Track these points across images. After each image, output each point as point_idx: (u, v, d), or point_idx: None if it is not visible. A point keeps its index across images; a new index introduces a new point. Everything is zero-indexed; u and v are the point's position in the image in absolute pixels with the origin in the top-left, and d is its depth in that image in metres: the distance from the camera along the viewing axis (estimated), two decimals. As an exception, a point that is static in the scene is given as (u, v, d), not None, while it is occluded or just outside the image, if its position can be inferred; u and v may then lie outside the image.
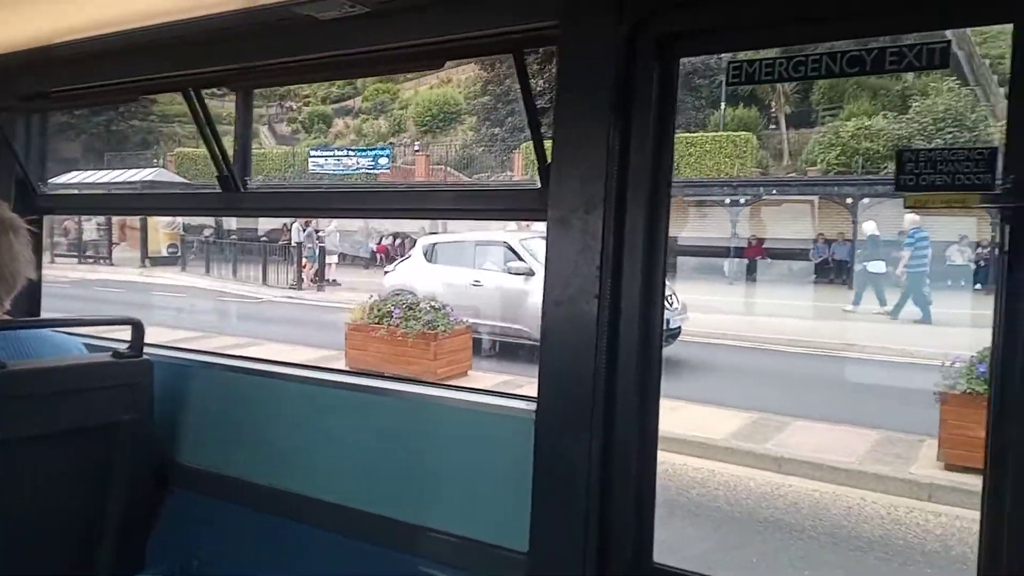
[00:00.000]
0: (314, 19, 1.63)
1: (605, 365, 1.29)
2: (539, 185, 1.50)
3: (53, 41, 2.00)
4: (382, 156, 27.89)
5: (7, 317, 1.75)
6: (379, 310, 9.07)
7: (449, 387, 1.73)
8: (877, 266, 14.71)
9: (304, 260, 19.77)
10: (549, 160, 1.43)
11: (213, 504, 1.84)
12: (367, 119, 35.43)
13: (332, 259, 20.49)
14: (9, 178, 2.33)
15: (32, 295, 2.12)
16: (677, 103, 1.39)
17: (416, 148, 30.74)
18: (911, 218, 14.93)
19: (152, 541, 1.88)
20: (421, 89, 33.59)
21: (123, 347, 1.81)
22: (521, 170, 26.87)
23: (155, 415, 1.82)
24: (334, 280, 19.86)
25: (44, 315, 2.36)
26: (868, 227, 16.06)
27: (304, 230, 19.71)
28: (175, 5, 1.68)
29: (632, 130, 1.35)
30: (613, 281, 1.31)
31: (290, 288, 19.14)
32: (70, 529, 1.73)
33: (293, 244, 20.25)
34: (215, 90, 2.06)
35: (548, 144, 1.46)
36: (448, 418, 1.58)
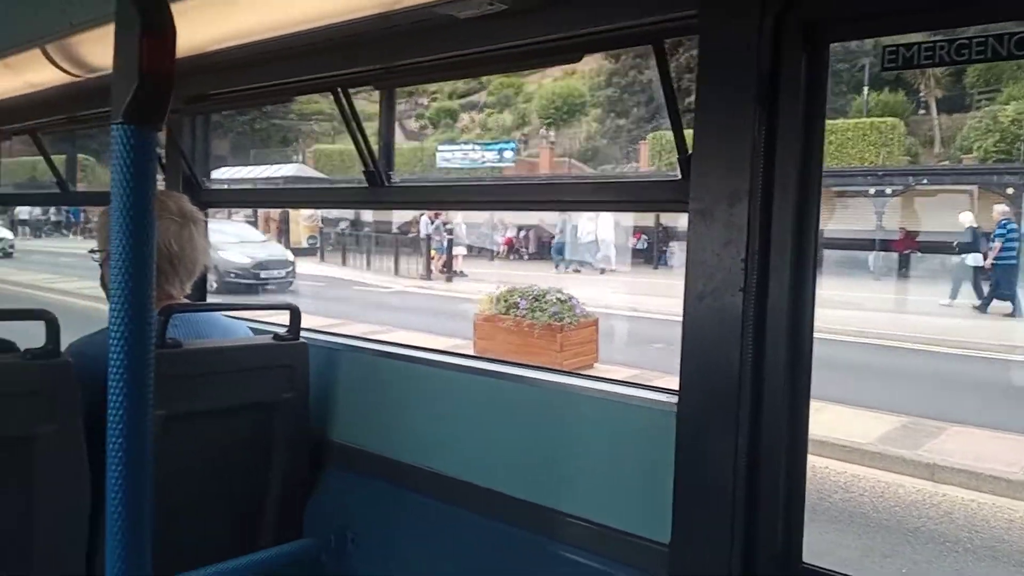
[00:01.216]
0: (454, 18, 1.67)
1: (751, 360, 1.25)
2: (679, 176, 1.48)
3: (215, 47, 2.15)
4: (507, 149, 28.29)
5: (186, 301, 1.94)
6: (506, 301, 9.21)
7: (587, 377, 1.74)
8: (975, 259, 14.22)
9: (433, 252, 20.39)
10: (690, 151, 1.40)
11: (362, 480, 1.95)
12: (492, 113, 36.00)
13: (460, 251, 21.00)
14: (178, 175, 2.55)
15: (201, 282, 2.30)
16: (827, 91, 1.33)
17: (550, 140, 30.82)
18: (1000, 209, 14.46)
19: (308, 512, 2.02)
20: (545, 82, 33.74)
21: (281, 331, 1.97)
22: (647, 161, 26.43)
23: (310, 395, 1.96)
24: (461, 271, 20.36)
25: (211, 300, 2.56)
26: (965, 219, 15.25)
27: (433, 223, 20.31)
28: (325, 11, 1.77)
29: (779, 120, 1.30)
30: (760, 275, 1.27)
31: (420, 279, 19.81)
32: (236, 498, 1.89)
33: (422, 236, 20.93)
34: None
35: (688, 134, 1.44)
36: (585, 407, 1.59)
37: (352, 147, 2.08)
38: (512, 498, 1.68)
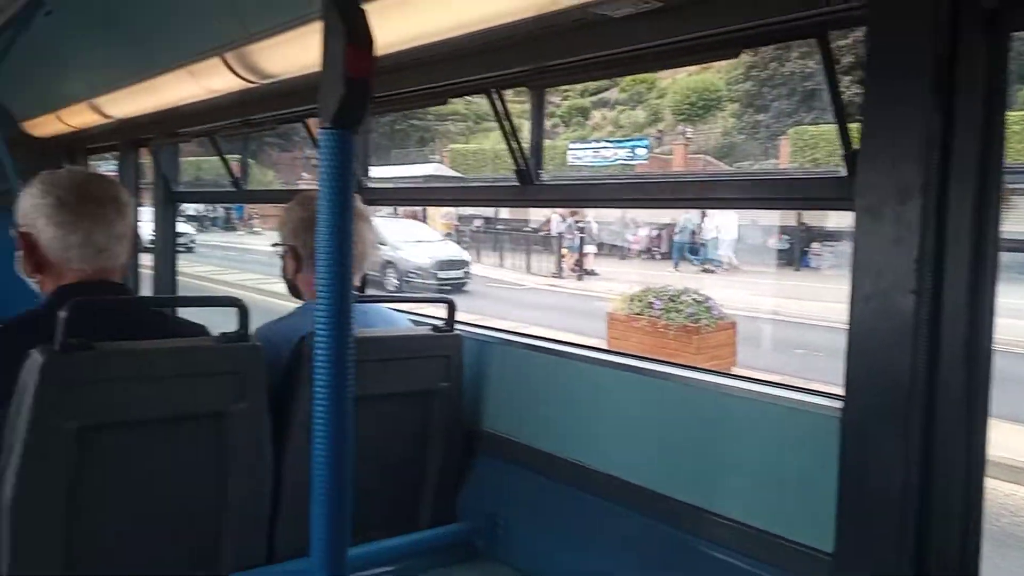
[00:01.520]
0: (608, 17, 1.69)
1: (924, 366, 1.20)
2: (844, 173, 1.43)
3: (379, 53, 2.28)
4: (639, 147, 27.92)
5: (354, 293, 2.08)
6: (640, 300, 9.15)
7: (742, 378, 1.72)
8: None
9: (564, 250, 20.47)
10: (855, 147, 1.36)
11: (512, 469, 2.01)
12: (624, 110, 35.65)
13: (591, 249, 20.97)
14: (349, 174, 2.74)
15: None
16: (1008, 82, 1.24)
17: (687, 136, 30.13)
18: None
19: (462, 498, 2.11)
20: (679, 77, 32.98)
21: (438, 323, 2.08)
22: (787, 157, 25.32)
23: (463, 385, 2.06)
24: (592, 270, 20.33)
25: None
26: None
27: (565, 221, 20.39)
28: (483, 15, 1.84)
29: (955, 113, 1.23)
30: (934, 276, 1.21)
31: (551, 276, 19.96)
32: (397, 480, 2.01)
33: (554, 234, 21.05)
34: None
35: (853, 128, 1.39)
36: (739, 408, 1.57)
37: (484, 147, 2.16)
38: (658, 494, 1.69)
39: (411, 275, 17.90)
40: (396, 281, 18.17)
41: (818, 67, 1.55)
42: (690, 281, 14.26)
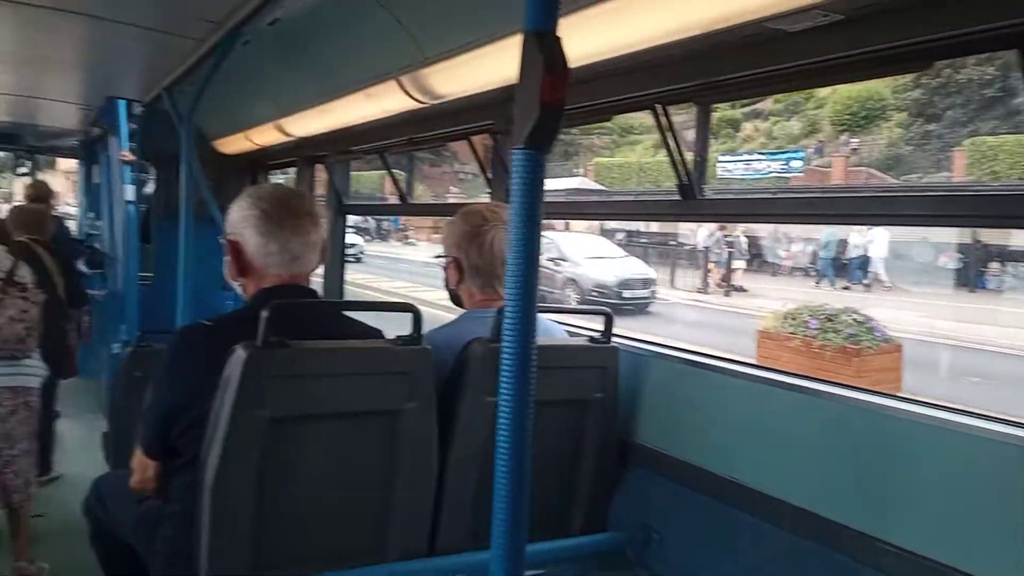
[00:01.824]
0: (783, 31, 1.66)
1: None
2: None
3: None
4: (795, 159, 26.70)
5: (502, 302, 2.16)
6: (794, 318, 8.75)
7: (912, 400, 1.63)
8: None
9: (711, 264, 19.91)
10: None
11: (665, 482, 2.01)
12: (778, 121, 34.22)
13: (739, 264, 20.26)
14: (503, 187, 2.84)
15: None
16: None
17: (851, 147, 28.49)
18: None
19: (614, 507, 2.13)
20: (840, 86, 31.23)
21: (594, 335, 2.11)
22: (963, 170, 23.34)
23: (618, 396, 2.08)
24: (740, 286, 19.63)
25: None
26: None
27: (712, 235, 19.84)
28: (647, 34, 1.86)
29: None
30: None
31: (696, 292, 19.45)
32: (550, 485, 2.06)
33: (700, 248, 20.53)
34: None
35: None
36: (911, 432, 1.49)
37: (630, 160, 2.17)
38: (817, 516, 1.63)
39: (593, 293, 16.41)
40: (575, 299, 16.69)
41: (999, 74, 1.45)
42: (848, 300, 13.48)
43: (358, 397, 1.78)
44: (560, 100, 0.89)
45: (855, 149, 28.20)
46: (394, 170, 4.31)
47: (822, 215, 1.96)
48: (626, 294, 16.52)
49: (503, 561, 1.00)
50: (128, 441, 3.68)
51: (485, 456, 1.92)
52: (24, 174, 9.82)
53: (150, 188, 6.02)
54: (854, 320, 8.44)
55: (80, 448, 5.32)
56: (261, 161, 5.53)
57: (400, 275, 20.25)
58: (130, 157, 5.30)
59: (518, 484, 0.98)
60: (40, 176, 9.79)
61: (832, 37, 1.59)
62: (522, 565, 1.01)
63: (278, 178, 5.98)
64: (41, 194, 6.33)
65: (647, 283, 17.33)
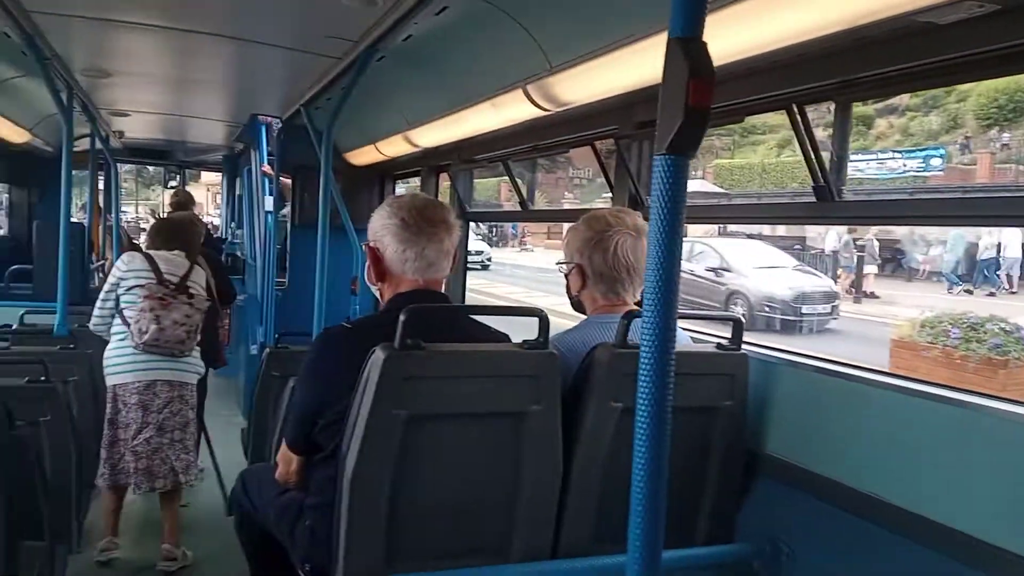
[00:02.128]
0: (933, 24, 1.58)
1: None
2: None
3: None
4: (934, 156, 25.01)
5: (636, 308, 2.15)
6: (932, 327, 8.19)
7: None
8: None
9: (840, 270, 18.94)
10: None
11: (795, 494, 1.95)
12: (915, 116, 32.13)
13: (871, 269, 19.15)
14: (624, 192, 2.84)
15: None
16: None
17: (1001, 143, 26.35)
18: None
19: (740, 518, 2.08)
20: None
21: (722, 341, 2.07)
22: None
23: (747, 404, 2.03)
24: (872, 292, 18.55)
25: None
26: None
27: (842, 238, 18.87)
28: (784, 33, 1.81)
29: None
30: None
31: (824, 298, 18.45)
32: (674, 493, 2.04)
33: (827, 252, 19.58)
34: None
35: None
36: None
37: (751, 161, 2.10)
38: (967, 536, 1.53)
39: (765, 308, 13.94)
40: (742, 314, 12.93)
41: None
42: (989, 307, 12.41)
43: (487, 398, 1.82)
44: (706, 105, 0.89)
45: (1005, 145, 26.06)
46: (506, 178, 4.38)
47: (971, 216, 1.83)
48: (805, 310, 13.89)
49: (639, 567, 1.00)
50: (265, 436, 3.93)
51: (610, 460, 1.92)
52: (174, 187, 10.65)
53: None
54: (1001, 329, 7.80)
55: (219, 443, 5.71)
56: (388, 171, 5.76)
57: (519, 281, 20.47)
58: (268, 169, 5.67)
59: (655, 490, 0.98)
60: (185, 188, 10.61)
61: (986, 29, 1.49)
62: (658, 572, 1.00)
63: (404, 188, 6.21)
64: (183, 201, 6.87)
65: (829, 297, 14.71)
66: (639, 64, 2.29)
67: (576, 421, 1.91)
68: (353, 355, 1.82)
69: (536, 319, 1.85)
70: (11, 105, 5.04)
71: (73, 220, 6.35)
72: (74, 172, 4.96)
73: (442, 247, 1.99)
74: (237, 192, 8.49)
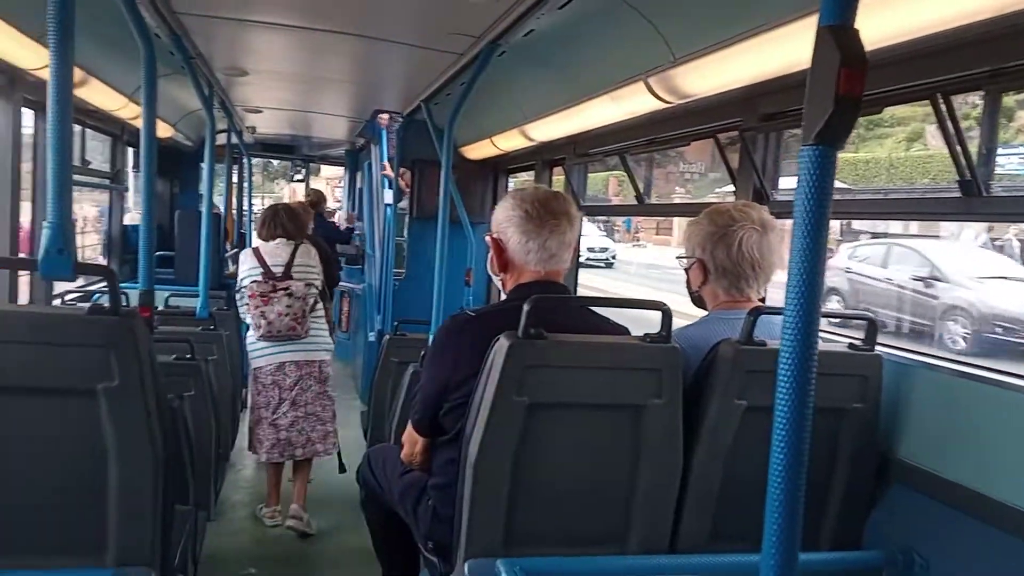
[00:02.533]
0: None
1: None
2: None
3: (796, 69, 2.27)
4: (1089, 149, 22.88)
5: (761, 304, 2.11)
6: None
7: None
8: None
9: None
10: None
11: (931, 503, 1.85)
12: (1065, 107, 29.46)
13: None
14: (748, 186, 2.77)
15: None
16: None
17: None
18: None
19: (870, 525, 2.00)
20: None
21: (854, 341, 1.99)
22: None
23: (880, 407, 1.95)
24: (1012, 296, 17.12)
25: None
26: None
27: (979, 237, 17.57)
28: (929, 21, 1.72)
29: None
30: None
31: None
32: (807, 496, 1.98)
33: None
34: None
35: None
36: None
37: (878, 155, 1.99)
38: None
39: (997, 329, 10.68)
40: (963, 334, 10.96)
41: None
42: None
43: (607, 390, 1.83)
44: (857, 94, 0.87)
45: None
46: (618, 172, 4.34)
47: None
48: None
49: (775, 570, 0.99)
50: (384, 419, 4.09)
51: (731, 458, 1.89)
52: (299, 180, 11.19)
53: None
54: None
55: (339, 425, 5.98)
56: (501, 165, 5.84)
57: (628, 277, 20.33)
58: (388, 170, 5.90)
59: (793, 492, 0.97)
60: (303, 182, 11.16)
61: None
62: (795, 572, 0.99)
63: (516, 182, 6.28)
64: (316, 200, 7.40)
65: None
66: (767, 54, 2.23)
67: (696, 417, 1.89)
68: (478, 342, 1.88)
69: (659, 313, 1.85)
70: (158, 102, 5.44)
71: None
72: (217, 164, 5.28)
73: (564, 239, 2.02)
74: (358, 186, 8.83)
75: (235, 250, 7.90)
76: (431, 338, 3.71)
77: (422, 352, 3.58)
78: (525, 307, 1.75)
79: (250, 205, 7.46)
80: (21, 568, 1.55)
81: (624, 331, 2.06)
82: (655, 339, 1.84)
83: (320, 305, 4.05)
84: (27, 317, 1.59)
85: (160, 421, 1.66)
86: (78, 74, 3.62)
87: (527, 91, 3.93)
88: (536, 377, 1.77)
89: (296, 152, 9.90)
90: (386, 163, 5.93)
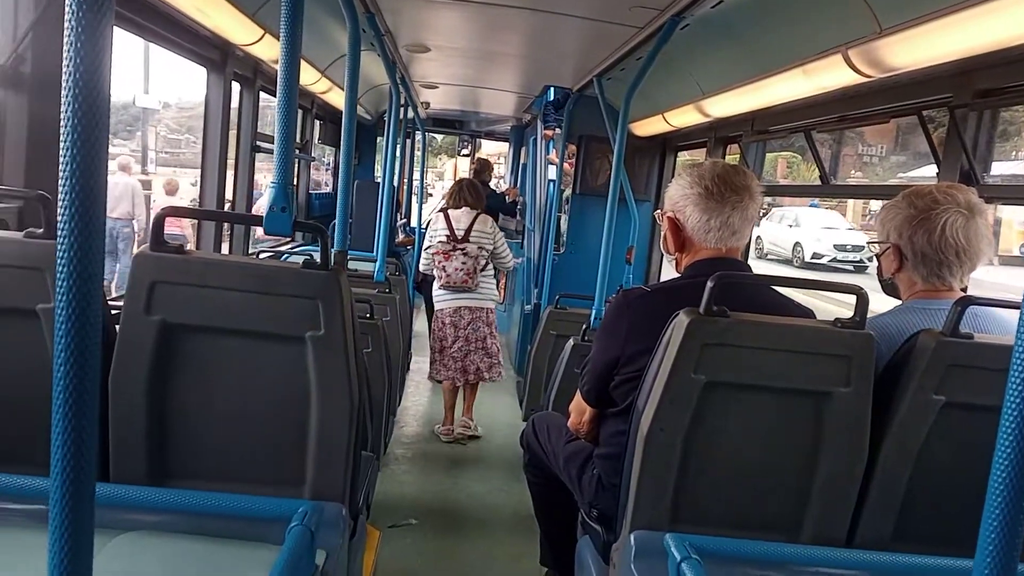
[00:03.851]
0: None
1: None
2: None
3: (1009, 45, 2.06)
4: None
5: (963, 294, 1.94)
6: None
7: None
8: None
9: None
10: None
11: None
12: None
13: None
14: (955, 167, 2.55)
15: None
16: None
17: None
18: None
19: None
20: None
21: None
22: None
23: None
24: None
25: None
26: None
27: None
28: None
29: None
30: None
31: None
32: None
33: None
34: None
35: None
36: None
37: None
38: None
39: None
40: None
41: None
42: None
43: (790, 374, 1.77)
44: None
45: None
46: (787, 153, 4.11)
47: None
48: None
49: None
50: (540, 389, 4.18)
51: (923, 455, 1.78)
52: (465, 155, 11.53)
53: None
54: None
55: (492, 392, 6.20)
56: (671, 142, 5.72)
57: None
58: (554, 156, 6.01)
59: (1018, 500, 0.89)
60: (468, 156, 11.49)
61: None
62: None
63: (682, 161, 6.14)
64: (479, 168, 7.69)
65: None
66: (987, 25, 2.04)
67: (886, 409, 1.78)
68: (653, 317, 1.87)
69: (854, 297, 1.76)
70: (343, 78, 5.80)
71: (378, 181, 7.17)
72: (382, 139, 5.54)
73: (747, 214, 1.96)
74: (521, 161, 8.97)
75: (404, 220, 8.29)
76: (592, 313, 3.75)
77: (583, 326, 3.61)
78: (709, 284, 1.72)
79: (422, 178, 7.77)
80: (237, 493, 1.72)
81: (810, 314, 1.98)
82: (847, 324, 1.75)
83: (490, 265, 4.96)
84: (253, 268, 1.75)
85: (356, 371, 1.79)
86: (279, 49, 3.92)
87: (706, 65, 3.81)
88: (715, 356, 1.74)
89: (464, 127, 10.19)
90: (548, 131, 6.04)
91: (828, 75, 2.73)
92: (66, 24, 0.72)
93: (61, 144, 0.74)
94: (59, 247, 0.75)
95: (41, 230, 1.69)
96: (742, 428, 1.81)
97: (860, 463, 1.79)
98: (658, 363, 1.80)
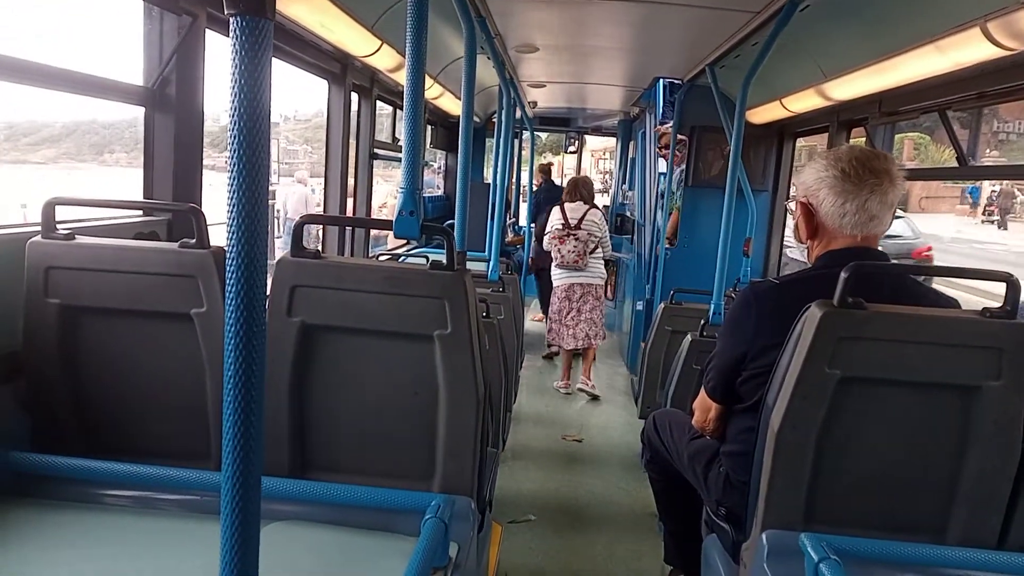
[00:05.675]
0: None
1: None
2: None
3: None
4: None
5: None
6: None
7: None
8: None
9: None
10: None
11: None
12: None
13: None
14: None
15: None
16: None
17: None
18: None
19: None
20: None
21: None
22: None
23: None
24: None
25: None
26: None
27: None
28: None
29: None
30: None
31: None
32: None
33: None
34: None
35: None
36: None
37: None
38: None
39: None
40: None
41: None
42: None
43: (934, 368, 1.67)
44: None
45: None
46: (914, 134, 3.84)
47: None
48: None
49: None
50: (655, 387, 4.12)
51: None
52: (572, 152, 11.52)
53: None
54: None
55: (605, 387, 6.17)
56: (789, 128, 5.51)
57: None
58: (666, 152, 6.09)
59: None
60: (575, 153, 11.48)
61: None
62: None
63: (800, 147, 5.90)
64: (545, 167, 8.98)
65: None
66: None
67: None
68: (781, 311, 1.81)
69: (1004, 284, 1.65)
70: (457, 81, 5.92)
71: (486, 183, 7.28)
72: (490, 140, 5.62)
73: (886, 199, 1.86)
74: (630, 156, 8.87)
75: (512, 220, 8.37)
76: (711, 308, 3.66)
77: (701, 321, 3.53)
78: (843, 274, 1.65)
79: (531, 178, 7.82)
80: (372, 485, 1.80)
81: (955, 304, 1.87)
82: (997, 314, 1.64)
83: (599, 249, 5.99)
84: (383, 271, 1.82)
85: (482, 368, 1.83)
86: (396, 59, 4.05)
87: (828, 46, 3.65)
88: (850, 349, 1.67)
89: (571, 125, 10.18)
90: (661, 127, 6.08)
91: (965, 50, 2.55)
92: (230, 49, 0.78)
93: (228, 163, 0.80)
94: (228, 255, 0.81)
95: (194, 240, 1.82)
96: (881, 425, 1.73)
97: (1013, 461, 1.68)
98: (789, 358, 1.74)
